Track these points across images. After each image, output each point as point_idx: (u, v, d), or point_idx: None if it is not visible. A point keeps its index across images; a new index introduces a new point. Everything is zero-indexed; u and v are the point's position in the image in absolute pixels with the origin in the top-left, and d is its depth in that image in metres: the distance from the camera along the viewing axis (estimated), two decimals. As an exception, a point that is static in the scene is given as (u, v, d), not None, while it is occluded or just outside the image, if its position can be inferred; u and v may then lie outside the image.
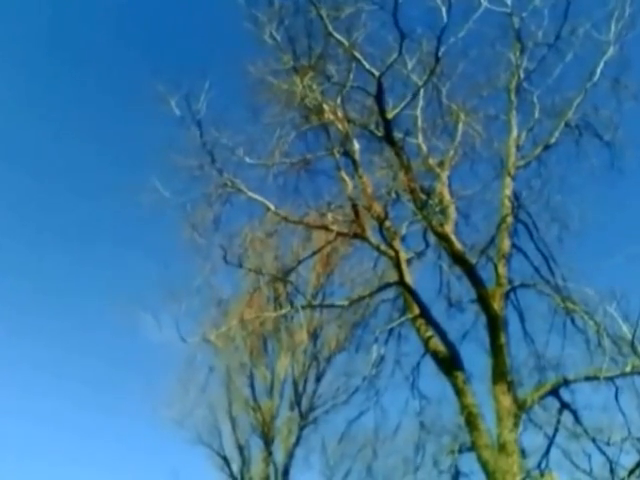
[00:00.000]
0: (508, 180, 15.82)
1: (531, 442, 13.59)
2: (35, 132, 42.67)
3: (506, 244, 15.13)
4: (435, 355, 14.50)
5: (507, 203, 15.41)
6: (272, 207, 15.30)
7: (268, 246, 22.93)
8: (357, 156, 15.72)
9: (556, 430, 13.47)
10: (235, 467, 26.01)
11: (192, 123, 14.80)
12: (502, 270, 14.66)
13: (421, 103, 16.74)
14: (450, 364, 14.12)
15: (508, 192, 15.59)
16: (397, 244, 15.07)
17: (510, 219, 15.33)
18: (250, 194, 15.35)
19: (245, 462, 25.97)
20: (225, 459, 26.19)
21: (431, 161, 16.37)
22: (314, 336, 26.24)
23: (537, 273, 15.09)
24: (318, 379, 26.32)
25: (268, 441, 25.75)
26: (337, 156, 15.85)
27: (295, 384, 26.25)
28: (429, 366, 14.99)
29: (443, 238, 14.31)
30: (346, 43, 14.35)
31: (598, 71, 16.42)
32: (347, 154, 15.88)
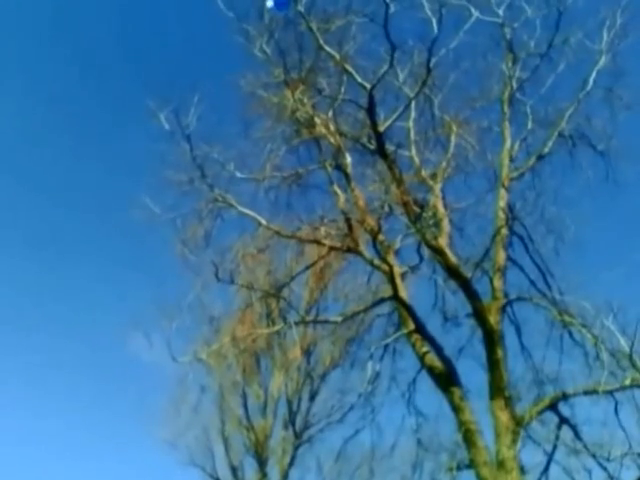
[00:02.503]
0: (502, 192, 15.65)
1: (530, 458, 13.32)
2: (24, 146, 42.57)
3: (501, 257, 14.92)
4: (431, 371, 14.24)
5: (501, 215, 15.23)
6: (264, 222, 15.12)
7: (260, 261, 22.68)
8: (349, 169, 15.57)
9: (555, 446, 13.22)
10: (228, 493, 25.62)
11: (182, 138, 14.67)
12: (498, 283, 14.45)
13: (413, 115, 16.64)
14: (447, 380, 13.87)
15: (502, 204, 15.41)
16: (391, 258, 14.88)
17: (505, 231, 15.15)
18: (241, 209, 15.17)
19: (239, 485, 25.57)
20: (218, 482, 25.78)
21: (424, 173, 16.21)
22: (308, 353, 25.92)
23: (533, 286, 14.89)
24: (312, 397, 25.94)
25: (262, 461, 25.34)
26: (329, 170, 15.71)
27: (289, 402, 25.88)
28: (425, 382, 14.73)
29: (437, 251, 14.12)
30: (337, 56, 14.25)
31: (591, 81, 16.35)
32: (339, 167, 15.74)
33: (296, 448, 25.26)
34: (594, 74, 16.34)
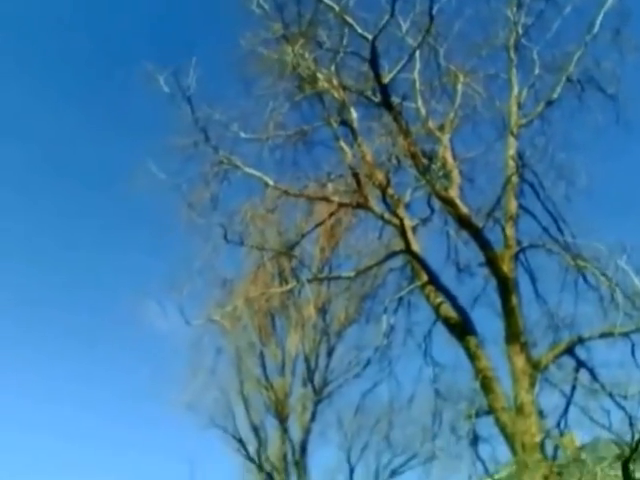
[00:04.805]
0: (511, 140, 15.46)
1: (549, 402, 13.38)
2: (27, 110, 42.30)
3: (513, 205, 14.81)
4: (446, 321, 14.27)
5: (511, 163, 15.06)
6: (271, 182, 14.99)
7: (270, 222, 22.60)
8: (355, 124, 15.36)
9: (573, 388, 13.24)
10: (251, 448, 25.91)
11: (182, 100, 14.43)
12: (510, 232, 14.37)
13: (418, 66, 16.27)
14: (462, 329, 13.91)
15: (512, 152, 15.24)
16: (401, 212, 14.76)
17: (515, 179, 14.99)
18: (247, 170, 15.03)
19: (261, 442, 25.86)
20: (240, 441, 26.06)
21: (431, 125, 15.97)
22: (323, 311, 25.99)
23: (546, 233, 14.77)
24: (329, 354, 26.11)
25: (283, 419, 25.65)
26: (334, 125, 15.51)
27: (307, 360, 26.07)
28: (441, 333, 14.78)
29: (448, 203, 14.02)
30: (336, 7, 13.98)
31: (598, 23, 15.91)
32: (344, 123, 15.52)
33: (316, 405, 25.54)
34: (601, 16, 15.89)
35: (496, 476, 14.69)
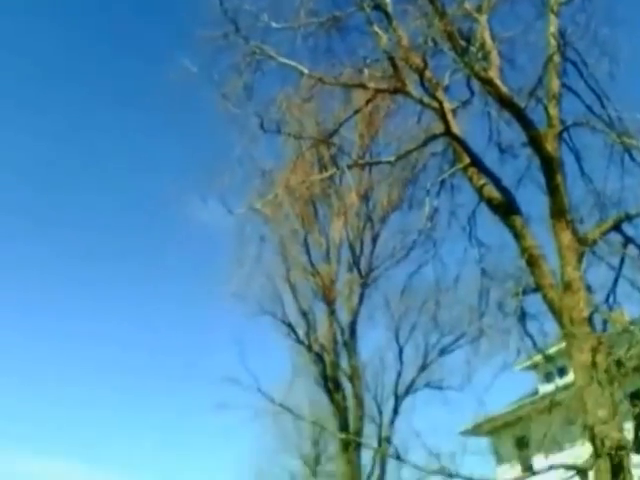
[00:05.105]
0: (552, 17, 14.77)
1: (596, 279, 13.46)
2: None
3: (555, 84, 14.35)
4: (490, 202, 14.21)
5: (552, 42, 14.46)
6: (305, 70, 14.70)
7: (307, 112, 22.45)
8: (389, 8, 14.74)
9: (622, 262, 13.21)
10: (301, 332, 26.82)
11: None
12: (553, 111, 14.00)
13: (452, -58, 15.41)
14: (506, 209, 13.85)
15: (553, 30, 14.60)
16: (440, 94, 14.41)
17: (557, 58, 14.43)
18: (281, 59, 14.73)
19: (310, 326, 26.71)
20: (290, 325, 26.96)
21: (468, 6, 15.27)
22: (365, 197, 26.12)
23: (590, 111, 14.34)
24: (374, 240, 26.43)
25: (331, 303, 26.36)
26: (367, 10, 14.90)
27: (351, 247, 26.46)
28: (485, 215, 14.75)
29: (488, 83, 13.62)
30: None
31: None
32: (378, 7, 14.89)
33: (362, 289, 26.14)
34: None
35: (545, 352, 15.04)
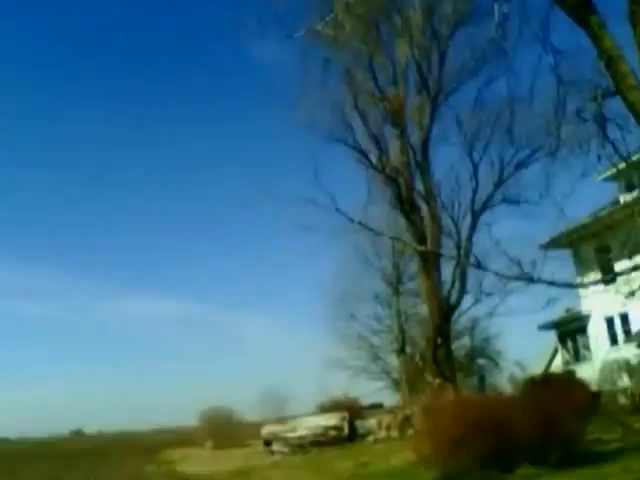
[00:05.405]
0: None
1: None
2: None
3: None
4: (564, 3, 13.42)
5: None
6: None
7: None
8: None
9: None
10: (373, 157, 26.71)
11: None
12: None
13: None
14: (582, 10, 13.06)
15: None
16: None
17: None
18: None
19: (382, 150, 26.57)
20: (362, 152, 26.89)
21: None
22: (430, 14, 24.80)
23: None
24: (442, 58, 25.27)
25: (401, 127, 26.06)
26: None
27: (418, 67, 25.55)
28: (559, 19, 13.96)
29: None
30: None
31: None
32: None
33: (433, 109, 25.56)
34: None
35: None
